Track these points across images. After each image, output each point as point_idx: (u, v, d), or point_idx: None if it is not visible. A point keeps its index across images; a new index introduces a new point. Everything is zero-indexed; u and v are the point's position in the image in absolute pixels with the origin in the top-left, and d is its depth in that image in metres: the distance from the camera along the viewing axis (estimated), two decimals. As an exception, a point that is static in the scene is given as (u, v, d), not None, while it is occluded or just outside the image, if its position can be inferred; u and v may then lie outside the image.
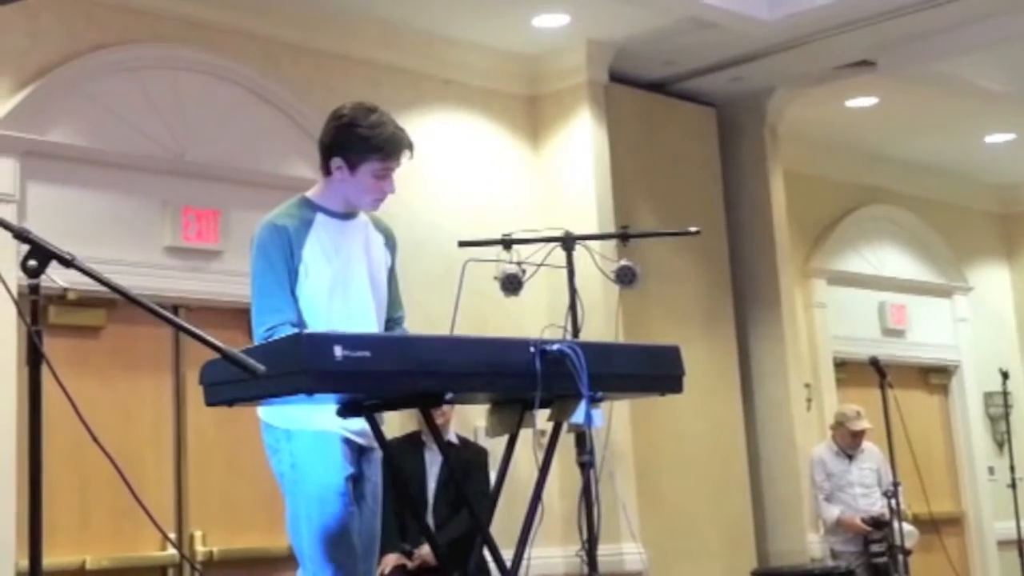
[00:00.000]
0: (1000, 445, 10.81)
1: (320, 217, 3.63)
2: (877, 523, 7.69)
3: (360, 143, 3.60)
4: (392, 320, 3.80)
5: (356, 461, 3.60)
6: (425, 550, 5.91)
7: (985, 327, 11.23)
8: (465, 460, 6.15)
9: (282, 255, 3.53)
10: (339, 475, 3.51)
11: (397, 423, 6.13)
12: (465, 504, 5.43)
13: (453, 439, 6.27)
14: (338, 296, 3.57)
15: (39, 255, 2.54)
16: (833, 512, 8.00)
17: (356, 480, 3.60)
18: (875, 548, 7.74)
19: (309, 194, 3.71)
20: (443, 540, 5.74)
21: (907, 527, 7.62)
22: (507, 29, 7.37)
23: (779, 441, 8.50)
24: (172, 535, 5.96)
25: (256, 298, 3.55)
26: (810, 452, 8.34)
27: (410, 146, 3.66)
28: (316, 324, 3.50)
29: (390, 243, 3.83)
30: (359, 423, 3.48)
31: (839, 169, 10.09)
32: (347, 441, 3.56)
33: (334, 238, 3.63)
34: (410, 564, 5.96)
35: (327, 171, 3.66)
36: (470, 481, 5.97)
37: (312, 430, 3.52)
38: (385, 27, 7.13)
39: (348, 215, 3.70)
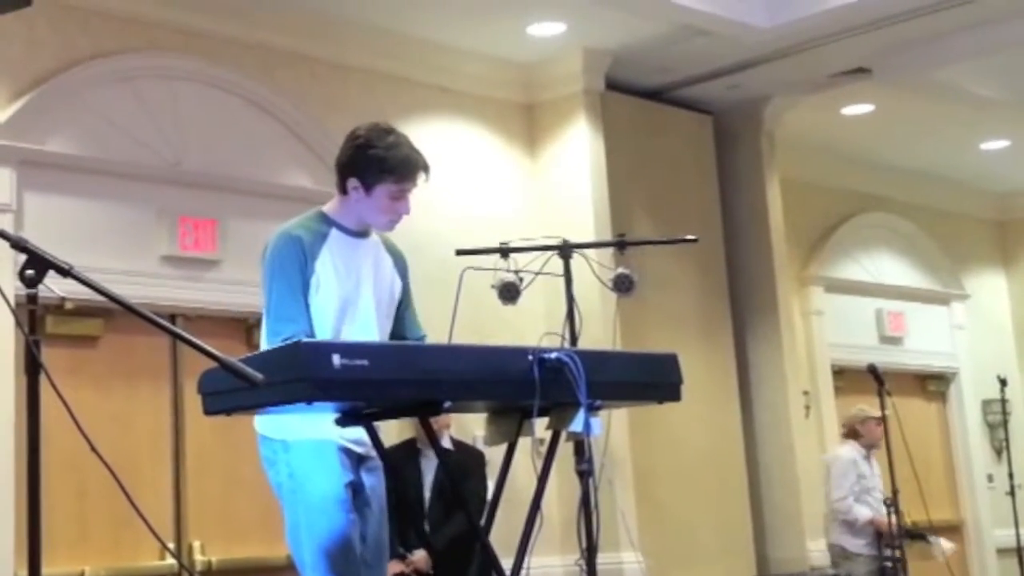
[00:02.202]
0: (998, 452, 10.81)
1: (335, 232, 3.65)
2: (911, 534, 7.73)
3: (375, 164, 3.61)
4: (415, 340, 3.80)
5: (355, 470, 3.60)
6: (418, 556, 5.92)
7: (982, 334, 11.23)
8: (462, 465, 6.15)
9: (296, 265, 3.53)
10: (338, 483, 3.50)
11: (395, 431, 6.13)
12: (461, 507, 5.43)
13: (448, 444, 6.27)
14: (346, 313, 3.58)
15: (37, 265, 2.54)
16: (865, 513, 7.99)
17: (357, 489, 3.59)
18: (889, 552, 7.77)
19: (325, 208, 3.73)
20: (442, 539, 5.75)
21: (945, 543, 7.68)
22: (503, 37, 7.38)
23: (778, 448, 8.50)
24: (171, 545, 5.95)
25: (270, 306, 3.54)
26: (835, 453, 8.28)
27: (426, 168, 3.68)
28: (322, 338, 3.49)
29: (400, 265, 3.84)
30: (356, 432, 3.48)
31: (836, 176, 10.10)
32: (345, 450, 3.56)
33: (346, 255, 3.64)
34: (406, 570, 5.97)
35: (343, 190, 3.67)
36: (466, 485, 5.97)
37: (309, 439, 3.51)
38: (381, 36, 7.13)
39: (361, 233, 3.71)
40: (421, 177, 3.68)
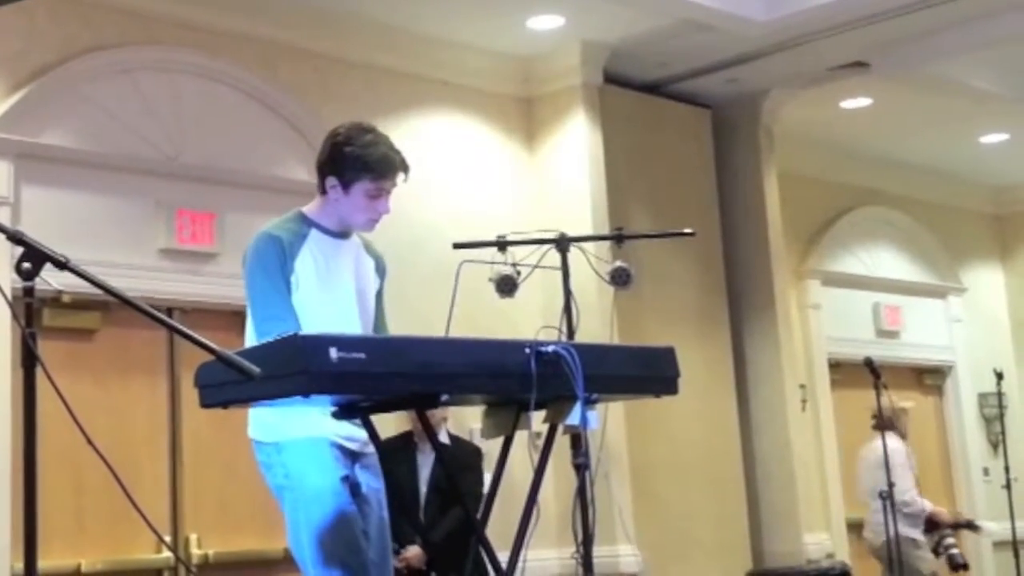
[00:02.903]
0: (995, 446, 10.82)
1: (314, 233, 3.64)
2: (957, 524, 8.03)
3: (352, 162, 3.60)
4: None
5: (350, 466, 3.59)
6: (412, 552, 5.91)
7: (979, 328, 11.24)
8: (457, 460, 6.15)
9: (278, 264, 3.53)
10: (333, 476, 3.50)
11: (392, 425, 6.13)
12: (457, 503, 5.44)
13: (445, 439, 6.26)
14: (326, 310, 3.57)
15: (33, 257, 2.53)
16: (928, 504, 8.06)
17: (354, 487, 3.59)
18: (949, 540, 7.88)
19: (305, 209, 3.72)
20: (436, 537, 5.74)
21: (990, 524, 7.91)
22: (502, 31, 7.37)
23: (774, 442, 8.50)
24: (167, 538, 5.96)
25: (255, 307, 3.53)
26: (886, 444, 8.31)
27: (404, 168, 3.67)
28: None
29: (380, 268, 3.85)
30: (350, 428, 3.49)
31: (834, 170, 10.10)
32: (339, 447, 3.56)
33: (326, 254, 3.63)
34: (399, 565, 5.96)
35: (323, 190, 3.67)
36: (462, 481, 5.96)
37: (302, 438, 3.51)
38: (381, 30, 7.13)
39: (342, 234, 3.70)
40: (400, 176, 3.67)
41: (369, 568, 3.53)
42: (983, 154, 10.49)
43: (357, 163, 3.60)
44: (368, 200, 3.63)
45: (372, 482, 3.67)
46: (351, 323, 3.63)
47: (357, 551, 3.50)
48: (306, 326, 3.48)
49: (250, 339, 3.53)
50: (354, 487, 3.58)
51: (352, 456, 3.60)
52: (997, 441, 10.70)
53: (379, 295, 3.84)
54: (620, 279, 5.66)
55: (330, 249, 3.65)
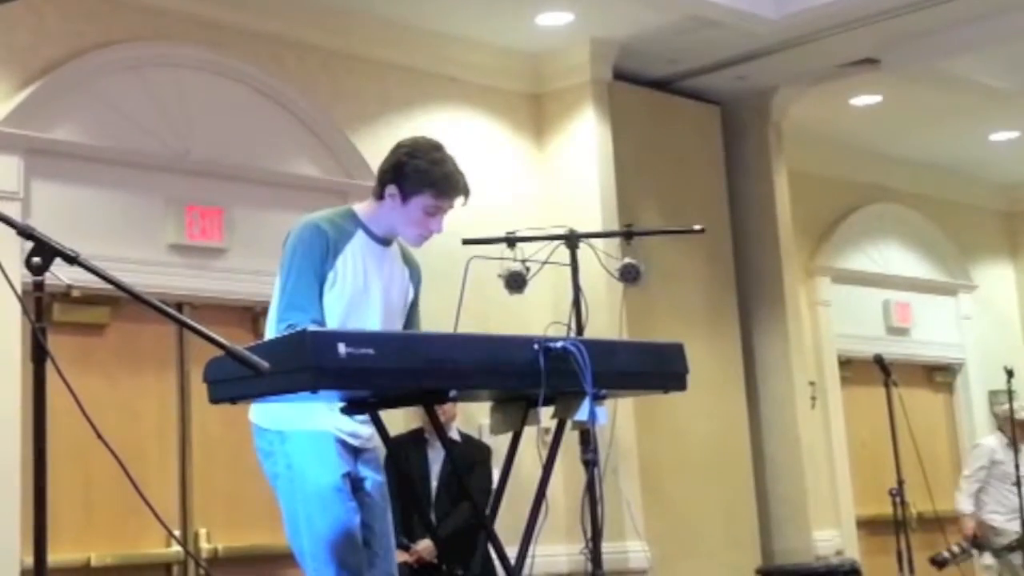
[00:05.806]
0: (1005, 444, 10.78)
1: (360, 234, 3.64)
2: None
3: (416, 175, 3.60)
4: None
5: (352, 462, 3.60)
6: (422, 545, 5.93)
7: (990, 325, 11.22)
8: (467, 457, 6.16)
9: (318, 256, 3.53)
10: (336, 473, 3.51)
11: (400, 421, 6.13)
12: (466, 499, 5.45)
13: (455, 436, 6.28)
14: (352, 314, 3.57)
15: (43, 252, 2.54)
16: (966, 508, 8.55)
17: (357, 482, 3.60)
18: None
19: (357, 208, 3.72)
20: (444, 532, 5.75)
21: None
22: (511, 27, 7.37)
23: (783, 439, 8.50)
24: (177, 532, 5.97)
25: (282, 292, 3.53)
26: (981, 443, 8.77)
27: (466, 192, 3.66)
28: None
29: (415, 277, 3.85)
30: (352, 424, 3.50)
31: (843, 167, 10.09)
32: (342, 442, 3.57)
33: (366, 259, 3.63)
34: (409, 559, 5.98)
35: (380, 196, 3.67)
36: (472, 477, 5.98)
37: (306, 430, 3.52)
38: (390, 25, 7.13)
39: (385, 241, 3.71)
40: (459, 200, 3.67)
41: (364, 566, 3.54)
42: (993, 151, 10.47)
43: (421, 176, 3.59)
44: (424, 215, 3.63)
45: (375, 476, 3.68)
46: (374, 328, 3.62)
47: (355, 550, 3.51)
48: (331, 324, 3.49)
49: (270, 322, 3.55)
50: (356, 482, 3.59)
51: (354, 452, 3.62)
52: (1007, 439, 10.66)
53: (414, 304, 3.84)
54: (629, 275, 5.66)
55: (371, 254, 3.65)
